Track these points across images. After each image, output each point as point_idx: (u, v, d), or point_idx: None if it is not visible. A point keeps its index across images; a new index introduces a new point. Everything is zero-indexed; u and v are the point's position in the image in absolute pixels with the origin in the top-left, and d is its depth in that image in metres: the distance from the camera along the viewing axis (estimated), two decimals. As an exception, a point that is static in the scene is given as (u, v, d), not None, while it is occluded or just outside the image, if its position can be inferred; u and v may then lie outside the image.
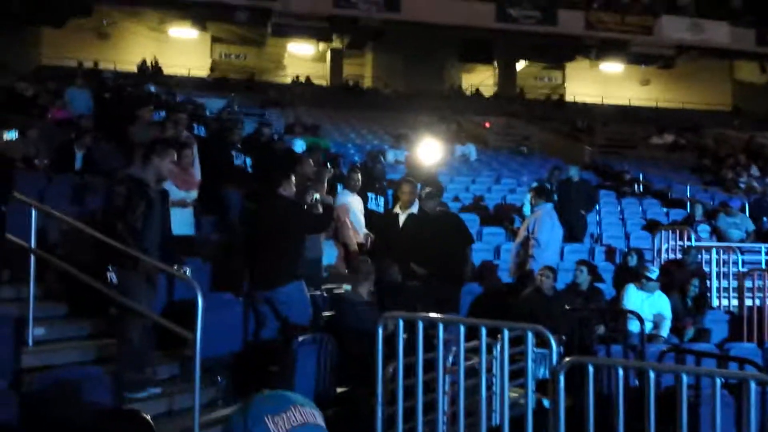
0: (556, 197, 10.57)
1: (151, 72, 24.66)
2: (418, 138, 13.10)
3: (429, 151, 11.87)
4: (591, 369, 3.66)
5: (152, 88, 14.33)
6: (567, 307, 6.64)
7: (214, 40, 31.46)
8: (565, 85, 32.41)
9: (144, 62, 25.37)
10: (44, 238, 5.65)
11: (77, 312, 5.40)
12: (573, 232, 10.35)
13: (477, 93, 28.85)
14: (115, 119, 10.18)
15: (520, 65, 31.27)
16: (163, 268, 4.66)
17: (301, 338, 4.79)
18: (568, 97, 30.60)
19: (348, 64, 30.66)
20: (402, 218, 7.20)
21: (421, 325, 4.06)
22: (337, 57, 29.99)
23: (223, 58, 31.58)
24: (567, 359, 3.85)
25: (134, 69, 25.13)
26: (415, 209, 7.25)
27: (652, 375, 3.56)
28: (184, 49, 29.77)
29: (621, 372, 3.72)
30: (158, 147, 4.94)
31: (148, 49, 28.03)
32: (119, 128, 9.31)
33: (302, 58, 31.17)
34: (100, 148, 9.59)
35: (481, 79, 30.88)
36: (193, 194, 6.80)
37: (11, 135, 5.50)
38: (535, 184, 10.02)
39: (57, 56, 24.55)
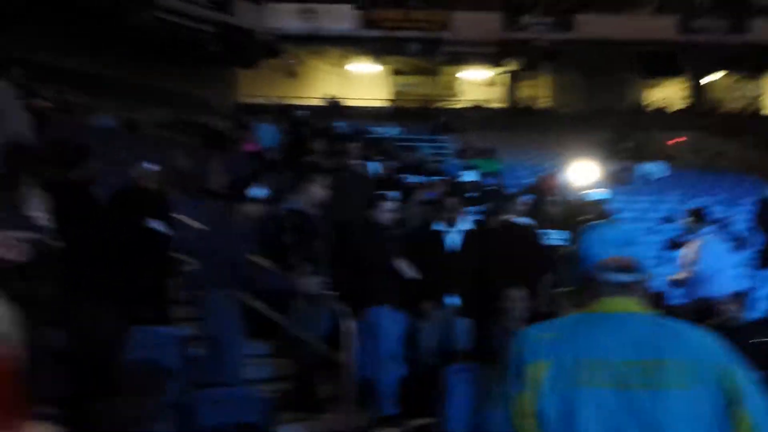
0: (751, 219, 9.64)
1: (334, 106, 26.03)
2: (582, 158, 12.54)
3: (581, 171, 11.33)
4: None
5: (343, 126, 15.03)
6: (753, 340, 5.94)
7: (391, 72, 32.61)
8: (763, 95, 29.55)
9: (330, 98, 26.84)
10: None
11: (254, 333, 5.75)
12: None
13: (661, 109, 27.17)
14: (297, 152, 10.91)
15: (712, 77, 29.03)
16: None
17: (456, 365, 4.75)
18: (766, 111, 27.87)
19: (522, 86, 30.28)
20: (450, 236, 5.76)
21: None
22: (510, 80, 29.75)
23: (399, 88, 32.59)
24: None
25: (320, 103, 26.66)
26: (470, 224, 5.89)
27: None
28: (363, 83, 31.16)
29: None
30: (313, 174, 5.18)
31: (332, 85, 29.65)
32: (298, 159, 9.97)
33: (476, 83, 31.30)
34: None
35: (668, 94, 29.06)
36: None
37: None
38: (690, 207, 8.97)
39: (252, 94, 26.68)
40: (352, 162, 8.07)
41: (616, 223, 1.77)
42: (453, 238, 5.57)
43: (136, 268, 5.03)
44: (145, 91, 19.61)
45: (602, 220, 7.75)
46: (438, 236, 5.52)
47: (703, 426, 1.62)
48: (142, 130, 14.60)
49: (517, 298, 5.23)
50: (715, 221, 9.28)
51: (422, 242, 5.53)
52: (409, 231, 5.99)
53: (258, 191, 4.66)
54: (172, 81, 22.41)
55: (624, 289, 1.76)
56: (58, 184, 3.93)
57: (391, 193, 6.15)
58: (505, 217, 6.51)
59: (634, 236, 1.86)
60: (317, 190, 5.29)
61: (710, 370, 1.66)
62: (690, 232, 7.04)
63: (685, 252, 6.96)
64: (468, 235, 5.59)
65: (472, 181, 9.29)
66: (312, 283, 4.76)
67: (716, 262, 6.81)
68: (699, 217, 7.06)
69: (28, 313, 1.52)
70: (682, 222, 7.32)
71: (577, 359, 1.66)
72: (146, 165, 6.25)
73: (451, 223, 5.61)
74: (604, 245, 1.78)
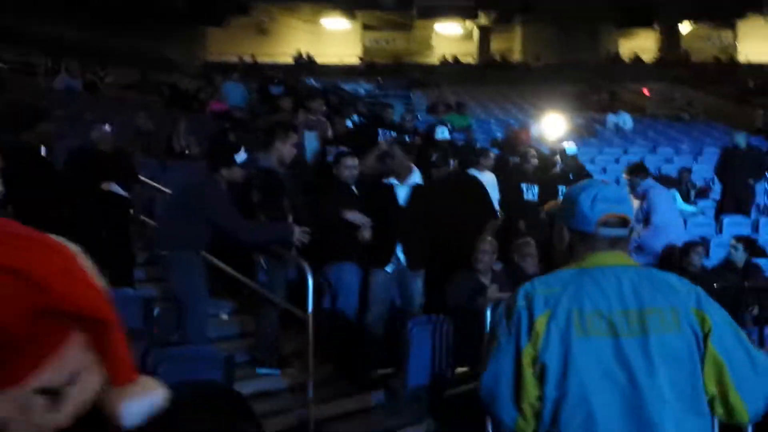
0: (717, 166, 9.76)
1: (305, 63, 25.68)
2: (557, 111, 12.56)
3: (551, 124, 11.37)
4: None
5: (312, 83, 14.82)
6: (716, 285, 6.08)
7: (365, 27, 32.17)
8: (737, 44, 29.64)
9: (299, 54, 26.44)
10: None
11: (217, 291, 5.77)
12: (739, 203, 9.52)
13: (636, 59, 27.14)
14: (266, 110, 10.81)
15: (685, 27, 29.01)
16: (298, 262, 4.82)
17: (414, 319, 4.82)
18: (741, 58, 27.95)
19: (496, 40, 30.09)
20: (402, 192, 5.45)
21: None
22: (484, 34, 29.52)
23: (372, 44, 32.19)
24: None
25: (290, 61, 26.28)
26: (417, 179, 5.53)
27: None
28: (336, 39, 30.73)
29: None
30: (279, 131, 5.14)
31: (304, 42, 29.22)
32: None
33: (450, 38, 31.02)
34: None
35: (641, 45, 29.04)
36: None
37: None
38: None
39: (221, 53, 26.24)
40: (318, 119, 8.00)
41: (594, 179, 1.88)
42: (404, 192, 5.35)
43: (92, 230, 4.98)
44: (110, 51, 19.21)
45: (574, 174, 7.81)
46: (389, 191, 5.33)
47: (683, 368, 1.75)
48: (105, 91, 14.33)
49: (485, 250, 5.26)
50: (660, 177, 9.45)
51: (374, 197, 5.38)
52: (361, 187, 5.83)
53: (240, 156, 4.64)
54: (138, 40, 21.96)
55: (616, 243, 1.88)
56: (8, 146, 3.88)
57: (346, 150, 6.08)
58: (452, 169, 6.44)
59: (625, 194, 2.01)
60: (285, 149, 5.24)
61: (686, 316, 1.78)
62: (633, 187, 7.07)
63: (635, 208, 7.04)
64: (415, 189, 5.37)
65: (443, 137, 9.13)
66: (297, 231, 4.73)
67: (667, 214, 6.87)
68: (639, 171, 7.12)
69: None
70: (624, 178, 7.38)
71: (577, 311, 1.76)
72: (104, 127, 6.15)
73: (401, 177, 5.39)
74: (604, 203, 1.88)
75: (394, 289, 5.30)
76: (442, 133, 9.51)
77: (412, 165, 5.44)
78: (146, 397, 0.86)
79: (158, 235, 4.93)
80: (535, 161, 7.83)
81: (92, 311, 0.86)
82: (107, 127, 6.11)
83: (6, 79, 9.56)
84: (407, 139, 9.18)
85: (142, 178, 6.54)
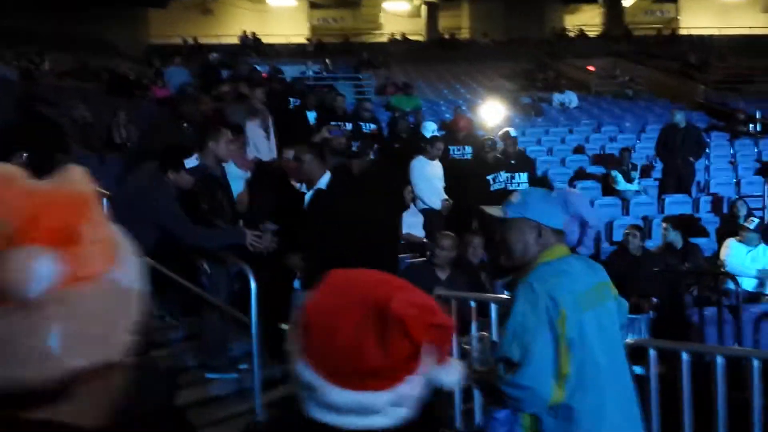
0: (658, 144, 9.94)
1: (251, 43, 25.18)
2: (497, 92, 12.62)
3: (491, 111, 11.45)
4: (652, 353, 3.43)
5: (258, 67, 14.40)
6: (656, 268, 6.24)
7: (312, 6, 31.72)
8: (679, 17, 30.22)
9: (245, 35, 25.90)
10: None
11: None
12: (679, 182, 9.74)
13: (581, 35, 27.43)
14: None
15: (628, 1, 29.42)
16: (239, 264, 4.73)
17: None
18: (683, 31, 28.51)
19: (444, 17, 30.01)
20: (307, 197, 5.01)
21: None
22: (432, 11, 29.42)
23: (320, 23, 31.79)
24: (628, 341, 3.60)
25: (236, 42, 25.75)
26: (323, 183, 4.93)
27: (719, 360, 3.26)
28: (283, 18, 30.23)
29: (685, 356, 3.43)
30: (211, 130, 5.02)
31: (250, 21, 28.64)
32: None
33: (398, 15, 30.83)
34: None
35: (586, 20, 29.36)
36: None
37: None
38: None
39: (163, 35, 25.55)
40: (257, 107, 7.83)
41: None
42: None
43: None
44: (47, 36, 18.51)
45: (515, 158, 7.86)
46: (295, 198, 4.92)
47: (618, 329, 2.37)
48: (42, 79, 13.81)
49: (444, 245, 5.20)
50: (603, 156, 9.57)
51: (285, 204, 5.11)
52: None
53: (191, 162, 4.52)
54: (76, 24, 21.23)
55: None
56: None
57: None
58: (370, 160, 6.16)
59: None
60: (220, 148, 5.12)
61: (611, 287, 2.37)
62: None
63: None
64: (314, 194, 4.83)
65: (432, 134, 8.77)
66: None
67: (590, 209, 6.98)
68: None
69: None
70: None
71: (579, 292, 2.20)
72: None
73: (311, 183, 4.87)
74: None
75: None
76: (430, 128, 9.20)
77: (325, 170, 4.93)
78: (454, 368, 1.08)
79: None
80: (496, 152, 7.80)
81: (441, 329, 1.04)
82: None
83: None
84: (365, 129, 9.02)
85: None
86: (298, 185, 5.06)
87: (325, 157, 5.07)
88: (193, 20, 28.57)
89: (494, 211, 2.35)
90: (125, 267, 0.82)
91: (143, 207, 4.39)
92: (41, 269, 0.69)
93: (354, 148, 6.76)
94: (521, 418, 2.21)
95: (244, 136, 6.73)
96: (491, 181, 7.51)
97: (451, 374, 1.10)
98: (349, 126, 8.85)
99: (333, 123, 8.60)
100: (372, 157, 6.44)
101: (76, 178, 0.78)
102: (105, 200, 6.26)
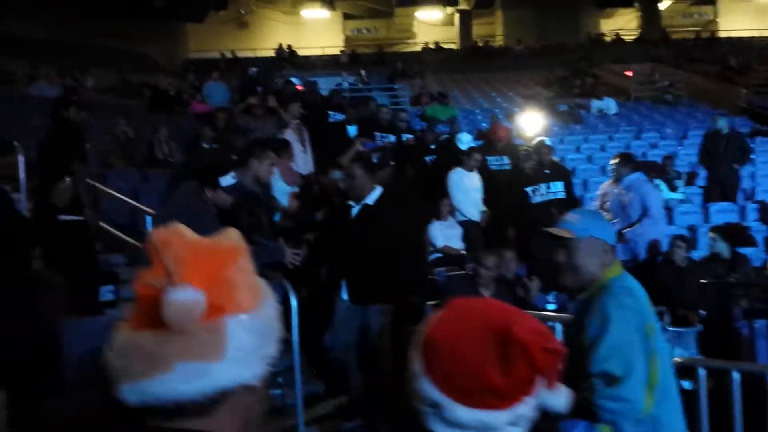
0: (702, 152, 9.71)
1: (287, 56, 25.43)
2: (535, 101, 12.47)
3: (529, 120, 11.30)
4: (701, 372, 3.35)
5: (294, 80, 14.44)
6: (703, 279, 6.08)
7: (346, 17, 31.95)
8: (718, 20, 29.65)
9: (280, 47, 26.18)
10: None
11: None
12: (724, 190, 9.52)
13: (618, 39, 27.08)
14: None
15: (665, 4, 28.97)
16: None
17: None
18: (722, 34, 27.96)
19: (478, 24, 29.95)
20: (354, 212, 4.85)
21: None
22: (465, 19, 29.37)
23: (354, 33, 31.99)
24: (677, 360, 3.52)
25: (271, 55, 26.02)
26: (372, 199, 4.76)
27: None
28: (317, 30, 30.49)
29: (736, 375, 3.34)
30: (256, 149, 5.06)
31: (285, 34, 28.94)
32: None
33: (431, 24, 30.87)
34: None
35: (622, 24, 29.01)
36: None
37: None
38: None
39: (201, 49, 25.96)
40: (292, 124, 7.85)
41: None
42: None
43: (61, 262, 4.80)
44: (89, 53, 18.95)
45: (551, 168, 7.74)
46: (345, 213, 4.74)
47: None
48: (85, 96, 14.13)
49: (488, 265, 5.11)
50: (645, 164, 9.37)
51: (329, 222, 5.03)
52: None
53: (228, 180, 4.57)
54: (117, 40, 21.68)
55: None
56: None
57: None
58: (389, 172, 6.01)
59: None
60: (262, 168, 5.15)
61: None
62: (617, 177, 7.04)
63: (603, 197, 7.03)
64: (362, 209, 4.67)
65: (467, 145, 8.51)
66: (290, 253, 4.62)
67: (658, 209, 6.85)
68: (627, 163, 7.06)
69: None
70: (610, 164, 7.32)
71: (648, 304, 2.36)
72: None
73: (358, 199, 4.70)
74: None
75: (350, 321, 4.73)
76: (465, 139, 8.85)
77: (374, 185, 4.76)
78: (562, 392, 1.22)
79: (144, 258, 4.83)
80: (532, 161, 7.67)
81: (554, 354, 1.13)
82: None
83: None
84: (403, 139, 8.97)
85: (117, 194, 6.47)
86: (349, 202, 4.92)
87: (374, 171, 5.00)
88: (230, 34, 28.98)
89: (560, 231, 2.37)
90: (266, 307, 0.99)
91: (185, 226, 4.45)
92: (193, 305, 0.87)
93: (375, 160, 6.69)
94: (599, 429, 2.26)
95: (291, 151, 6.77)
96: (531, 193, 7.41)
97: (560, 398, 1.31)
98: (392, 138, 8.82)
99: (378, 135, 8.59)
100: (392, 169, 6.37)
101: (232, 236, 1.00)
102: (148, 218, 6.41)
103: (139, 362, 0.88)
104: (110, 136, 10.06)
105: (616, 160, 7.06)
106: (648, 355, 2.24)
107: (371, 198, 4.70)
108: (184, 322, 0.87)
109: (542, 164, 7.62)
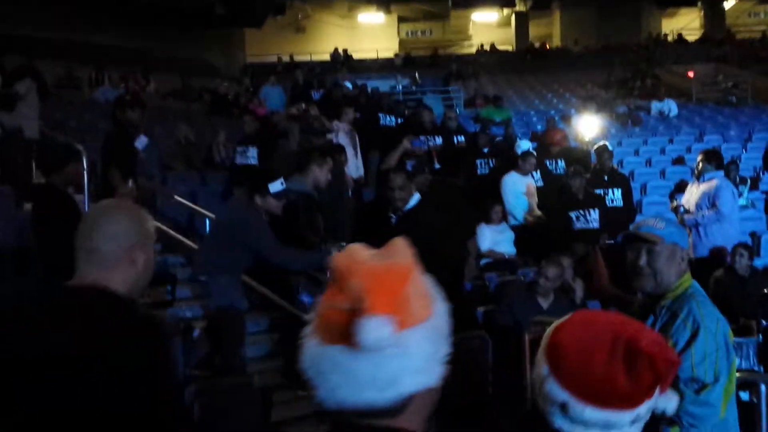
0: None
1: (342, 60, 25.66)
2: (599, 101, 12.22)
3: (586, 122, 11.04)
4: (763, 388, 3.27)
5: (348, 84, 14.52)
6: (766, 289, 5.88)
7: (401, 19, 32.02)
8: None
9: (336, 51, 26.44)
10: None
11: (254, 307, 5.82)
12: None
13: (680, 39, 26.36)
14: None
15: (729, 2, 28.05)
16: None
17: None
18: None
19: (535, 25, 29.61)
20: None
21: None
22: (522, 20, 29.07)
23: (409, 36, 32.03)
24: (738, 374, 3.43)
25: (327, 59, 26.30)
26: (411, 204, 4.65)
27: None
28: (373, 33, 30.66)
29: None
30: (316, 155, 5.15)
31: (341, 38, 29.21)
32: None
33: (487, 26, 30.66)
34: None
35: (685, 23, 28.24)
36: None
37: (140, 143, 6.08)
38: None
39: (259, 54, 26.43)
40: (346, 128, 7.92)
41: None
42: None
43: None
44: (151, 58, 19.52)
45: (608, 174, 7.53)
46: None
47: None
48: (148, 100, 14.56)
49: (549, 276, 5.06)
50: (727, 164, 8.96)
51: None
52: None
53: (278, 186, 4.67)
54: (178, 46, 22.26)
55: None
56: (36, 189, 4.01)
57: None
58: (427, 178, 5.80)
59: None
60: (322, 173, 5.25)
61: None
62: (699, 174, 6.72)
63: (688, 196, 6.73)
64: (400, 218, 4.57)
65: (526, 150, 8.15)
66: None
67: (732, 206, 6.56)
68: (714, 160, 6.72)
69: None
70: (696, 163, 6.96)
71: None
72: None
73: (396, 208, 4.57)
74: None
75: None
76: (524, 146, 8.40)
77: (413, 190, 4.64)
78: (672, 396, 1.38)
79: (198, 260, 4.99)
80: (580, 180, 7.12)
81: (672, 364, 1.30)
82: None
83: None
84: (456, 141, 8.91)
85: (178, 198, 6.64)
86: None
87: (412, 177, 4.94)
88: (287, 38, 29.41)
89: (650, 236, 2.37)
90: (439, 312, 1.07)
91: (239, 237, 4.57)
92: (382, 332, 0.98)
93: (409, 168, 6.57)
94: (668, 431, 2.29)
95: (345, 156, 6.87)
96: (574, 219, 6.99)
97: (671, 401, 1.39)
98: (439, 140, 8.77)
99: (421, 137, 8.53)
100: (429, 174, 6.31)
101: (400, 249, 1.08)
102: (207, 220, 6.58)
103: (335, 375, 1.01)
104: (172, 139, 10.34)
105: (701, 156, 6.78)
106: (731, 362, 2.32)
107: (411, 203, 4.59)
108: (377, 345, 0.98)
109: (601, 170, 7.43)
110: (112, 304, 1.59)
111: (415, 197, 4.62)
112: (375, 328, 0.97)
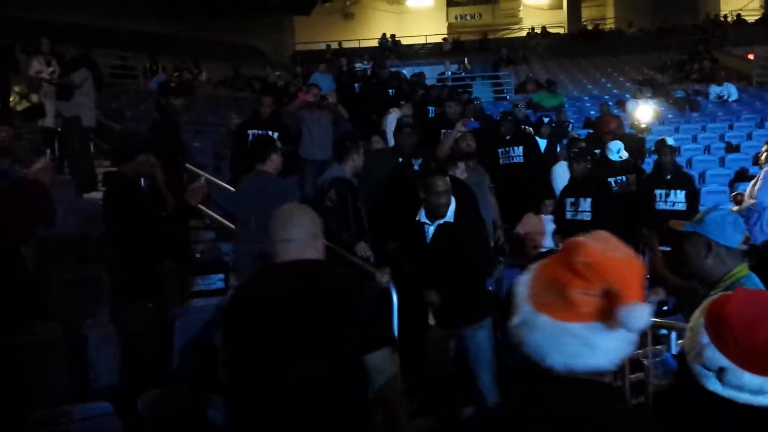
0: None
1: (390, 46, 25.55)
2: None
3: (641, 107, 10.70)
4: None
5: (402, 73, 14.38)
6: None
7: (450, 3, 31.71)
8: None
9: (383, 37, 26.34)
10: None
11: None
12: None
13: (739, 20, 25.41)
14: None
15: (795, -20, 26.87)
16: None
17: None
18: None
19: (587, 7, 28.95)
20: (431, 230, 4.34)
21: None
22: (574, 2, 28.44)
23: (458, 20, 31.70)
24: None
25: (375, 44, 26.23)
26: (450, 215, 4.31)
27: None
28: (421, 18, 30.44)
29: None
30: (351, 143, 5.13)
31: (389, 23, 29.08)
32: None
33: (538, 8, 30.11)
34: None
35: (744, 3, 27.18)
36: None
37: None
38: None
39: (308, 41, 26.53)
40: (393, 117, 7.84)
41: None
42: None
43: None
44: (203, 47, 19.78)
45: (671, 172, 7.13)
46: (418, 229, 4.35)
47: None
48: (199, 89, 14.77)
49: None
50: None
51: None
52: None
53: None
54: (229, 34, 22.51)
55: None
56: (111, 176, 4.08)
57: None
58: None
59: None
60: (359, 159, 5.21)
61: None
62: (763, 161, 6.39)
63: (752, 185, 6.44)
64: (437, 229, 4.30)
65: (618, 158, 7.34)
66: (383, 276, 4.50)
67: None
68: None
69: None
70: (761, 152, 6.61)
71: None
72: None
73: (434, 214, 4.28)
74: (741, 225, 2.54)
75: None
76: (617, 152, 7.51)
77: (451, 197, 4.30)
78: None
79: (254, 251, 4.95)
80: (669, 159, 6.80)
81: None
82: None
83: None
84: (525, 129, 8.67)
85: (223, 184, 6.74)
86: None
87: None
88: (336, 25, 29.42)
89: (678, 224, 2.55)
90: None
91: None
92: (646, 316, 1.23)
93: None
94: None
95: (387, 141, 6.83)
96: (613, 184, 6.94)
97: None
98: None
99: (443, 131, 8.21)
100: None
101: (616, 241, 1.31)
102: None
103: (575, 346, 1.24)
104: (224, 128, 10.45)
105: (766, 147, 6.46)
106: None
107: (450, 214, 4.27)
108: (641, 327, 1.23)
109: (662, 166, 6.93)
110: (322, 266, 2.26)
111: (453, 206, 4.29)
112: (641, 314, 1.21)
